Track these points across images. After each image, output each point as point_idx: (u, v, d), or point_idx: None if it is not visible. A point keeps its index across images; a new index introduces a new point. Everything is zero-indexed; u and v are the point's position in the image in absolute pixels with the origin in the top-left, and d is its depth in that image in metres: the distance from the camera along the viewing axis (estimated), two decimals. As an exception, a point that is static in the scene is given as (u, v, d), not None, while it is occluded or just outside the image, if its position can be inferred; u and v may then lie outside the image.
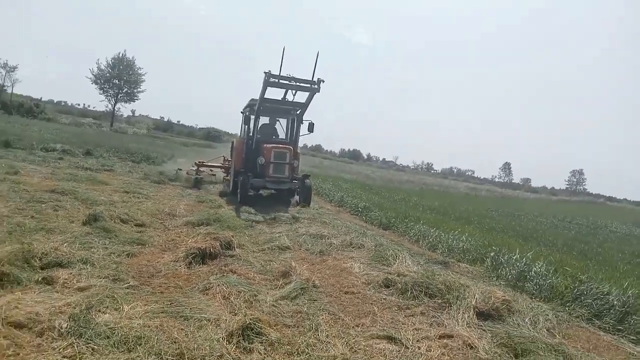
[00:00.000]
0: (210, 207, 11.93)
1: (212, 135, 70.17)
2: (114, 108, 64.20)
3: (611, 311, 5.76)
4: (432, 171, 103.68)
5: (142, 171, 18.65)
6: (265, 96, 13.38)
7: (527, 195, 55.10)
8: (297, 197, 14.64)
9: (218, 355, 3.82)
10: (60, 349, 3.62)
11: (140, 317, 4.44)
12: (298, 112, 14.56)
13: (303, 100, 14.03)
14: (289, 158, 13.78)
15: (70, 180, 12.97)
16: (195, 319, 4.59)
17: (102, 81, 61.33)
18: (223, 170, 18.71)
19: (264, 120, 15.51)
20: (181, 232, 8.82)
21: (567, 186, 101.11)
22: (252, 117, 14.47)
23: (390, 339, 4.54)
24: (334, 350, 4.09)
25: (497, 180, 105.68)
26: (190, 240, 7.52)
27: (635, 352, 4.88)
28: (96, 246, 6.97)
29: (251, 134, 14.60)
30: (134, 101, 63.91)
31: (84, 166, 17.35)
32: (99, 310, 4.40)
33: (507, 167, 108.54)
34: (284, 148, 13.88)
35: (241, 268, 6.61)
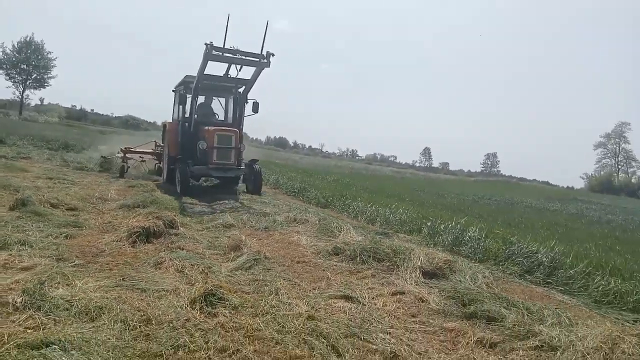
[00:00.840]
0: (143, 190, 11.58)
1: (130, 124, 66.94)
2: (22, 95, 59.75)
3: (540, 267, 6.33)
4: (357, 157, 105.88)
5: (62, 158, 17.71)
6: (205, 72, 11.85)
7: (447, 177, 57.85)
8: (243, 185, 13.49)
9: (185, 319, 3.83)
10: (19, 321, 3.48)
11: (95, 291, 4.33)
12: (242, 90, 13.09)
13: (248, 77, 12.59)
14: (235, 142, 12.27)
15: (-15, 168, 12.09)
16: (152, 291, 4.55)
17: (8, 66, 56.76)
18: (154, 157, 16.41)
19: (200, 99, 13.63)
20: (117, 214, 8.56)
21: (483, 168, 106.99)
22: (189, 96, 12.75)
23: (348, 298, 4.76)
24: (297, 309, 4.22)
25: (417, 164, 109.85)
26: (131, 220, 7.33)
27: (564, 299, 5.43)
28: (30, 229, 6.65)
29: (188, 115, 12.92)
30: (44, 87, 59.69)
31: (-2, 154, 16.18)
32: (51, 286, 4.24)
33: (427, 152, 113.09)
34: (229, 131, 12.34)
35: (189, 244, 6.56)
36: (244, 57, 11.32)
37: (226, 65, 12.08)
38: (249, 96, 13.09)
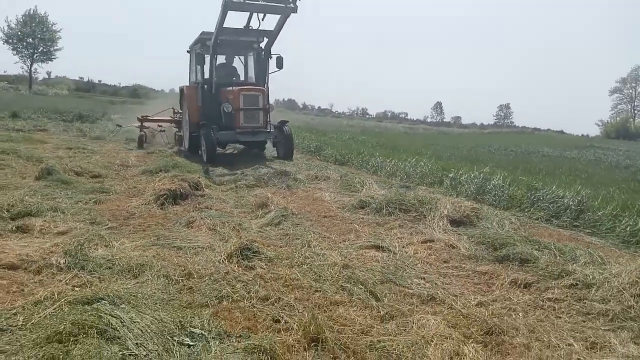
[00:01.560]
0: (163, 156, 11.67)
1: (138, 93, 66.42)
2: (30, 69, 59.68)
3: (567, 211, 6.34)
4: (368, 116, 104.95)
5: (79, 129, 17.85)
6: (225, 25, 10.59)
7: (460, 130, 57.36)
8: (273, 150, 12.50)
9: (225, 272, 3.94)
10: (66, 280, 3.60)
11: (133, 250, 4.44)
12: (265, 44, 11.81)
13: (270, 28, 11.31)
14: (262, 102, 11.24)
15: (6, 141, 12.22)
16: (188, 248, 4.65)
17: (15, 40, 56.49)
18: (174, 124, 14.98)
19: (220, 59, 12.48)
20: (140, 179, 8.67)
21: (496, 120, 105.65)
22: (207, 55, 11.65)
23: (378, 247, 4.83)
24: (331, 259, 4.30)
25: (429, 120, 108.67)
26: (157, 184, 7.42)
27: (593, 241, 5.45)
28: (59, 196, 6.77)
29: (208, 77, 11.83)
30: (51, 60, 59.51)
31: (14, 128, 16.32)
32: (90, 247, 4.36)
33: (438, 107, 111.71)
34: (255, 90, 11.30)
35: (216, 204, 6.65)
36: (267, 3, 10.00)
37: (246, 17, 10.77)
38: (272, 50, 11.83)
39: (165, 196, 6.75)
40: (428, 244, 4.96)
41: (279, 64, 11.66)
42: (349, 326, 3.08)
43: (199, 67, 12.25)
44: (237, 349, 2.68)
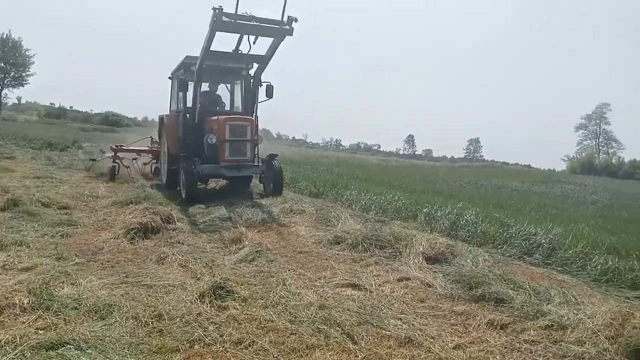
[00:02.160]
0: (134, 187, 11.44)
1: (111, 120, 65.20)
2: (0, 94, 58.51)
3: (539, 249, 6.40)
4: (341, 147, 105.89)
5: (47, 157, 17.45)
6: (212, 49, 9.64)
7: (432, 163, 58.29)
8: (260, 185, 11.56)
9: (197, 314, 3.81)
10: (29, 322, 3.43)
11: (101, 289, 4.30)
12: (254, 71, 10.84)
13: (261, 53, 10.33)
14: (250, 133, 10.21)
15: (-31, 169, 11.86)
16: (159, 286, 4.52)
17: (-14, 65, 55.47)
18: (151, 155, 13.91)
19: (204, 87, 11.35)
20: (110, 212, 8.46)
21: (466, 154, 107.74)
22: (191, 82, 10.61)
23: (355, 286, 4.77)
24: (307, 298, 4.22)
25: (401, 152, 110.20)
26: (127, 217, 7.25)
27: (565, 279, 5.50)
28: (25, 229, 6.58)
29: (191, 105, 10.75)
30: (22, 86, 58.55)
31: (-20, 155, 15.87)
32: (56, 286, 4.19)
33: (410, 139, 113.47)
34: (243, 120, 10.36)
35: (188, 239, 6.52)
36: (261, 24, 8.96)
37: (234, 40, 9.92)
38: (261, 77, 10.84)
39: (135, 230, 6.58)
40: (404, 282, 4.92)
41: (269, 92, 10.76)
42: (326, 372, 2.98)
43: (181, 94, 11.12)
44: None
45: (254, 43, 9.61)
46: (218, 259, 5.52)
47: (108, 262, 5.43)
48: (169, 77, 12.60)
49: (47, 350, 2.91)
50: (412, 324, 3.89)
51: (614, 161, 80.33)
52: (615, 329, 3.57)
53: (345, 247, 6.22)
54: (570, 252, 6.23)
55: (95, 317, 3.64)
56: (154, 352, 3.11)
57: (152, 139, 14.37)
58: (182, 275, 4.91)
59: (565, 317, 3.93)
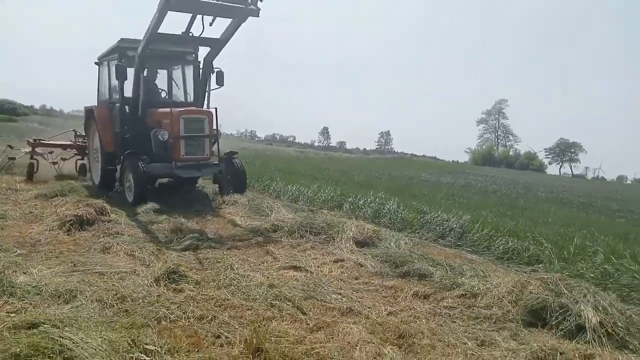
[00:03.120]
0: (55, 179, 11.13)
1: (6, 109, 59.39)
2: None
3: (451, 233, 7.29)
4: (257, 138, 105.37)
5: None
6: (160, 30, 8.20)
7: (347, 155, 59.97)
8: (215, 186, 10.39)
9: (157, 295, 4.13)
10: (3, 310, 3.57)
11: (55, 276, 4.46)
12: (207, 55, 9.61)
13: (214, 35, 8.95)
14: (209, 128, 9.13)
15: None
16: (111, 273, 4.74)
17: None
18: (75, 151, 12.18)
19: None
20: (35, 205, 8.31)
21: (378, 146, 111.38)
22: (131, 68, 9.21)
23: (296, 268, 5.29)
24: (256, 279, 4.66)
25: (316, 144, 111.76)
26: (60, 209, 7.23)
27: (473, 258, 6.36)
28: (-51, 224, 6.36)
29: (132, 95, 9.34)
30: None
31: None
32: (10, 275, 4.29)
33: (325, 132, 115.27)
34: (200, 113, 9.26)
35: (127, 230, 6.66)
36: (223, 2, 7.66)
37: (185, 22, 8.42)
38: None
39: (71, 222, 6.62)
40: (339, 263, 5.51)
41: (220, 80, 9.77)
42: (284, 337, 3.46)
43: (116, 82, 9.73)
44: (189, 362, 2.96)
45: (210, 24, 8.21)
46: (162, 248, 5.78)
47: (51, 252, 5.52)
48: (96, 63, 11.10)
49: (27, 329, 3.13)
50: (351, 297, 4.47)
51: (511, 153, 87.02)
52: (516, 294, 4.36)
53: (282, 234, 6.70)
54: (477, 235, 7.16)
55: (60, 302, 3.85)
56: (126, 329, 3.40)
57: (75, 132, 12.68)
58: (131, 263, 5.14)
59: (476, 287, 4.69)
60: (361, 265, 5.43)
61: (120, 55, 9.61)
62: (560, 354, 3.41)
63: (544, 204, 15.68)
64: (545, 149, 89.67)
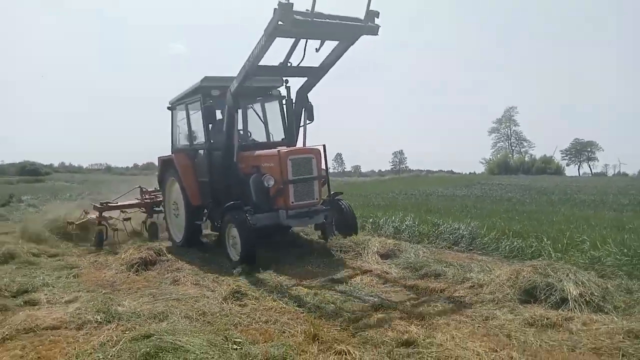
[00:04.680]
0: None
1: (28, 170, 61.48)
2: None
3: (463, 239, 8.36)
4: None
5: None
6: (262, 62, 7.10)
7: (362, 179, 61.04)
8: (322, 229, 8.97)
9: (228, 309, 5.25)
10: (112, 328, 4.69)
11: (143, 305, 5.59)
12: (302, 86, 8.49)
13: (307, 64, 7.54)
14: (318, 168, 8.18)
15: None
16: (186, 298, 5.87)
17: None
18: (143, 210, 11.24)
19: (218, 115, 9.20)
20: (98, 254, 9.51)
21: (392, 166, 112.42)
22: (223, 109, 8.42)
23: (333, 280, 6.38)
24: (302, 291, 5.77)
25: (332, 170, 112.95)
26: (125, 254, 8.43)
27: (483, 259, 7.38)
28: (37, 275, 7.55)
29: (227, 138, 8.33)
30: None
31: None
32: (119, 305, 5.45)
33: (339, 158, 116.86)
34: (307, 152, 8.19)
35: (185, 266, 7.81)
36: (341, 22, 6.65)
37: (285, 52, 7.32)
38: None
39: (137, 264, 7.80)
40: (368, 273, 6.62)
41: (310, 114, 8.76)
42: (333, 326, 4.55)
43: (206, 124, 8.94)
44: (269, 347, 4.04)
45: (317, 50, 7.10)
46: (221, 276, 6.92)
47: (129, 289, 6.67)
48: (169, 108, 10.39)
49: (144, 340, 4.25)
50: (380, 297, 5.55)
51: (526, 159, 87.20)
52: (513, 280, 5.41)
53: (318, 254, 7.82)
54: (486, 238, 8.18)
55: (157, 321, 4.97)
56: (214, 333, 4.50)
57: (141, 188, 11.78)
58: (199, 290, 6.27)
59: (482, 279, 5.75)
60: (387, 273, 6.52)
61: (202, 96, 8.86)
62: (547, 319, 4.47)
63: (556, 206, 16.52)
64: (561, 151, 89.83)
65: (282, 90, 9.44)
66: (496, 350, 3.90)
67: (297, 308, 5.24)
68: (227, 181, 8.52)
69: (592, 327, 4.30)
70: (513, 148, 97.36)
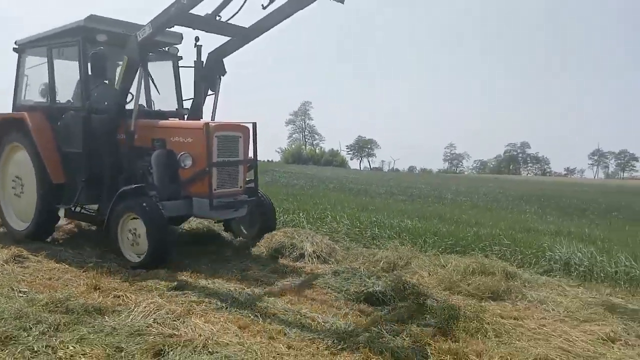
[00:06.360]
0: None
1: None
2: None
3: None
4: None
5: None
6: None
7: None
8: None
9: (10, 270, 5.61)
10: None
11: None
12: (218, 49, 6.96)
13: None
14: (244, 150, 6.80)
15: None
16: None
17: None
18: None
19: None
20: None
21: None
22: (133, 57, 6.27)
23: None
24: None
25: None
26: None
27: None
28: None
29: (120, 98, 6.58)
30: None
31: None
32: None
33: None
34: (235, 129, 6.71)
35: None
36: None
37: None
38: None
39: None
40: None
41: (218, 85, 7.35)
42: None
43: (73, 79, 7.09)
44: (54, 293, 4.68)
45: (264, 7, 5.95)
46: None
47: None
48: (15, 50, 7.68)
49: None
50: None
51: (317, 151, 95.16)
52: (268, 241, 6.83)
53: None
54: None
55: None
56: (5, 285, 4.91)
57: None
58: None
59: (248, 243, 7.07)
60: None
61: (84, 39, 6.72)
62: (286, 266, 5.98)
63: (330, 192, 19.24)
64: (346, 146, 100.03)
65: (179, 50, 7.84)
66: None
67: (79, 269, 5.84)
68: (111, 156, 6.68)
69: (316, 272, 5.95)
70: (306, 140, 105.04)
